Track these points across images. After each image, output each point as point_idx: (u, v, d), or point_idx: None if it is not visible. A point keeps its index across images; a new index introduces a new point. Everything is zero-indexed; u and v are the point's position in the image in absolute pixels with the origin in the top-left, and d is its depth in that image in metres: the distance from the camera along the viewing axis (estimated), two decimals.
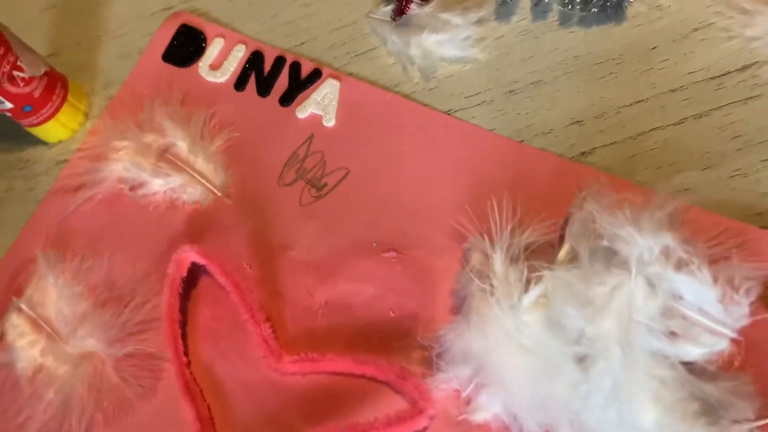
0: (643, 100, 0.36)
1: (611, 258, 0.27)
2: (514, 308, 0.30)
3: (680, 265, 0.27)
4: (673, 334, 0.27)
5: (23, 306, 0.40)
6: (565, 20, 0.39)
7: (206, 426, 0.36)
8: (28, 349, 0.39)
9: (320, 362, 0.35)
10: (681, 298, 0.27)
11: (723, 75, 0.36)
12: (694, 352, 0.27)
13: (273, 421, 0.35)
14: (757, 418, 0.29)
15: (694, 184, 0.34)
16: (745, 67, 0.36)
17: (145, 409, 0.37)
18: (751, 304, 0.26)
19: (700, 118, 0.35)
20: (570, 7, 0.38)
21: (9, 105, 0.41)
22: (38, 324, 0.40)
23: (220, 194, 0.41)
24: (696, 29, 0.37)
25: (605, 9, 0.38)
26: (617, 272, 0.27)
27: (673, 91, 0.36)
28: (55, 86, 0.43)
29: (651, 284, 0.27)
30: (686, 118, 0.36)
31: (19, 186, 0.45)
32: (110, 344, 0.38)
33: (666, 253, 0.27)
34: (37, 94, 0.41)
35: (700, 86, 0.36)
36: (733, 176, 0.34)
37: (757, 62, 0.36)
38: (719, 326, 0.26)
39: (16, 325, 0.40)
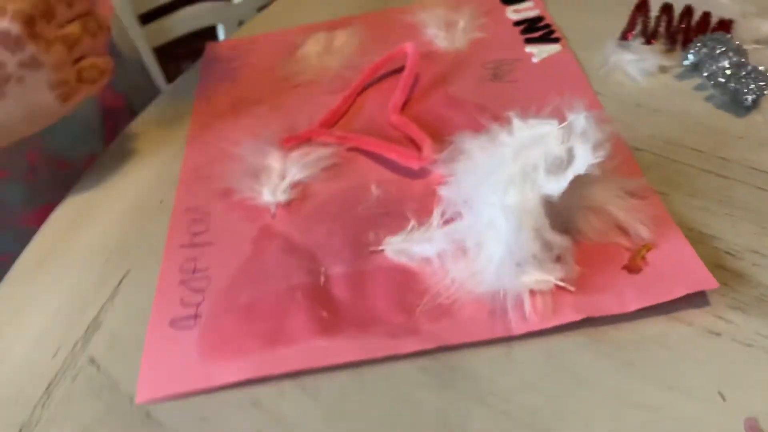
0: (700, 151, 0.49)
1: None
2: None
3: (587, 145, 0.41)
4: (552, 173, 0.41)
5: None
6: (708, 98, 0.53)
7: (334, 116, 0.59)
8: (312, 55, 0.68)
9: (407, 127, 0.55)
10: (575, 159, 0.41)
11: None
12: (552, 188, 0.41)
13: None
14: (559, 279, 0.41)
15: (670, 192, 0.46)
16: None
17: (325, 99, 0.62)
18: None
19: (724, 178, 0.47)
20: (712, 83, 0.52)
21: None
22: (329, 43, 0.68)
23: (459, 50, 0.64)
24: None
25: (737, 101, 0.51)
26: (555, 123, 0.42)
27: (724, 159, 0.48)
28: None
29: (565, 139, 0.42)
30: (712, 172, 0.47)
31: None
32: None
33: (587, 137, 0.41)
34: None
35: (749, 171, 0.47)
36: (700, 209, 0.45)
37: None
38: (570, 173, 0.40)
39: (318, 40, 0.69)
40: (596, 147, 0.41)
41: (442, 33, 0.66)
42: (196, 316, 0.44)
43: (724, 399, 0.35)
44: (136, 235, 0.52)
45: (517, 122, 0.44)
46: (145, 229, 0.53)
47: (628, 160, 0.48)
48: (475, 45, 0.64)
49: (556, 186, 0.41)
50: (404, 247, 0.46)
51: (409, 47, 0.62)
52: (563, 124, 0.43)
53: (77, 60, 0.48)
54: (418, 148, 0.54)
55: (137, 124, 0.65)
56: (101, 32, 0.49)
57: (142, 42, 1.04)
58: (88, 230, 0.54)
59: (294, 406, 0.39)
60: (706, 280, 0.39)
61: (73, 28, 0.47)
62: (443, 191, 0.48)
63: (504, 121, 0.45)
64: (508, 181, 0.42)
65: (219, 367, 0.41)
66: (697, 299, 0.39)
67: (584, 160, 0.41)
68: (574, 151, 0.42)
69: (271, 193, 0.52)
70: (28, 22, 0.44)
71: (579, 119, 0.42)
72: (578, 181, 0.43)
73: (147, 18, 1.06)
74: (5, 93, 0.45)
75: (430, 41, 0.66)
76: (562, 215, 0.43)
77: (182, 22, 1.10)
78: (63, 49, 0.46)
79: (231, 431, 0.38)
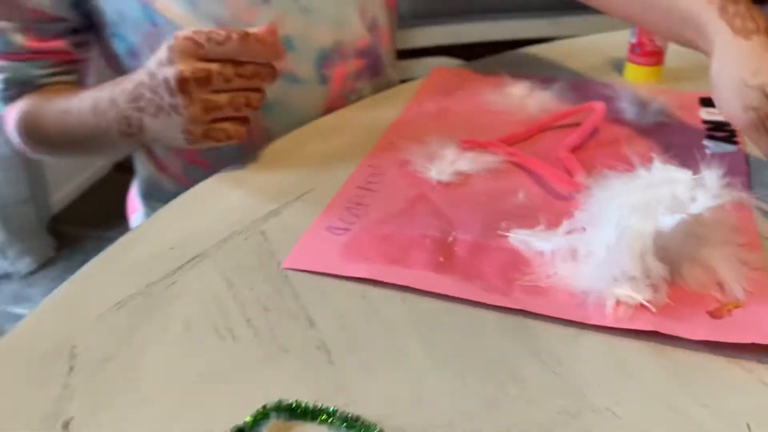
0: None
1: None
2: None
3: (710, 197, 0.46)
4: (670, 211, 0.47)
5: None
6: None
7: (512, 138, 0.69)
8: None
9: (570, 162, 0.63)
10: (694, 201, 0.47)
11: None
12: (667, 221, 0.47)
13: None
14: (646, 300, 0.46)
15: None
16: None
17: None
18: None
19: None
20: None
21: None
22: None
23: (643, 125, 0.71)
24: None
25: None
26: (691, 174, 0.48)
27: None
28: (662, 56, 0.79)
29: (694, 188, 0.47)
30: None
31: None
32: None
33: (711, 190, 0.47)
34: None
35: None
36: None
37: None
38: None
39: None
40: (716, 197, 0.47)
41: (633, 108, 0.73)
42: (346, 230, 0.56)
43: (749, 430, 0.38)
44: (326, 170, 0.65)
45: (657, 163, 0.51)
46: (334, 168, 0.66)
47: (753, 239, 0.52)
48: (659, 126, 0.71)
49: (671, 220, 0.47)
50: (527, 239, 0.54)
51: (597, 104, 0.70)
52: (696, 176, 0.49)
53: (214, 120, 0.57)
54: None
55: (355, 107, 0.80)
56: (246, 108, 0.57)
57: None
58: (291, 157, 0.69)
59: (392, 308, 0.48)
60: None
61: (220, 98, 0.55)
62: (577, 213, 0.56)
63: (649, 163, 0.52)
64: (631, 207, 0.49)
65: (349, 264, 0.52)
66: (764, 357, 0.43)
67: (702, 204, 0.47)
68: (697, 198, 0.48)
69: (437, 172, 0.63)
70: (184, 82, 0.54)
71: (712, 176, 0.48)
72: (696, 235, 0.49)
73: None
74: (158, 117, 0.58)
75: (619, 111, 0.73)
76: (671, 256, 0.49)
77: (423, 67, 1.28)
78: (200, 110, 0.55)
79: (339, 306, 0.48)
